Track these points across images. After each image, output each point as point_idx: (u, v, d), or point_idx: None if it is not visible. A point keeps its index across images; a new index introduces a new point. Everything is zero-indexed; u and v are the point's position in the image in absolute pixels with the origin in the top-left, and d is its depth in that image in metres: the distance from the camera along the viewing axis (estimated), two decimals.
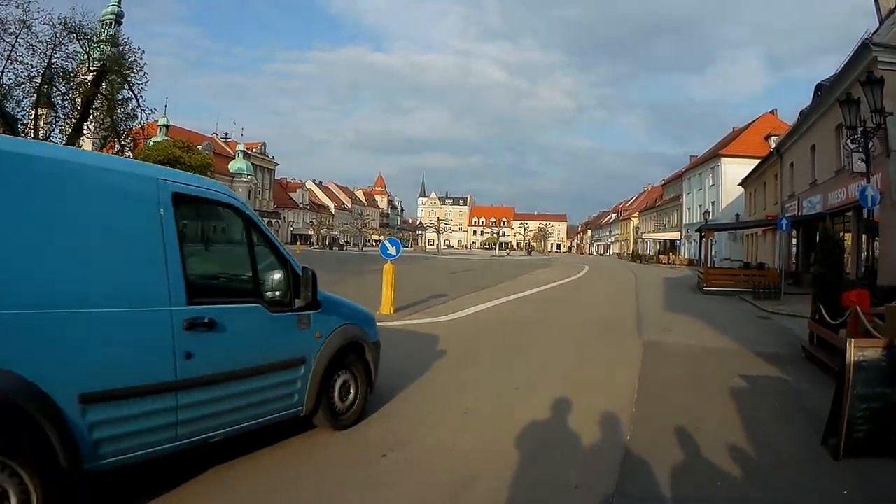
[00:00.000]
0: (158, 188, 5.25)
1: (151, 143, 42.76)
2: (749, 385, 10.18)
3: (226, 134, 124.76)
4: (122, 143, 42.46)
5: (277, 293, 6.36)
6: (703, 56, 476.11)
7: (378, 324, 14.13)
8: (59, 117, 44.15)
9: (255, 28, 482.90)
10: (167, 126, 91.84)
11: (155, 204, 5.16)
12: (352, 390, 7.54)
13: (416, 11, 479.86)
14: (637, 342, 14.52)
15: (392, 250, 18.64)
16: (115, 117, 42.65)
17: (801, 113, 37.22)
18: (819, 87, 33.49)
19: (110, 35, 60.25)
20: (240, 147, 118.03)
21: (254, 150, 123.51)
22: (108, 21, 76.13)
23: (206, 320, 5.35)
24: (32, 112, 43.10)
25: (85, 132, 44.41)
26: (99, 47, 41.82)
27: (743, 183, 58.61)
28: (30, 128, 41.70)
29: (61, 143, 45.02)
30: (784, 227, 27.13)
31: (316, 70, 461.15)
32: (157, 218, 5.14)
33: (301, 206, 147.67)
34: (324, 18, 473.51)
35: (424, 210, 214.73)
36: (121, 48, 44.71)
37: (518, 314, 19.63)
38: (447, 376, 10.09)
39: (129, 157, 37.88)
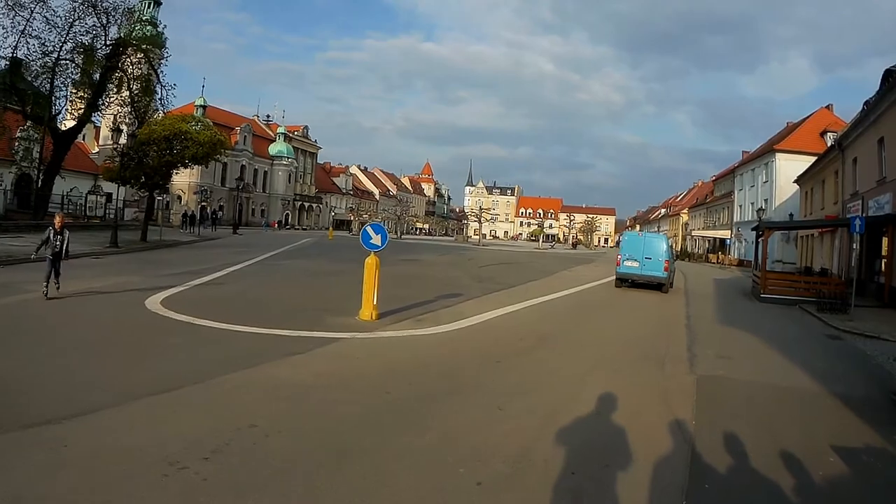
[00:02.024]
0: (667, 239, 31.50)
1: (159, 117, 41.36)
2: (849, 469, 6.98)
3: (267, 116, 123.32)
4: (139, 118, 41.58)
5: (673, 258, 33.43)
6: (754, 54, 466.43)
7: (345, 335, 12.77)
8: (79, 95, 43.04)
9: (309, 16, 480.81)
10: (204, 107, 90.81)
11: (667, 241, 30.73)
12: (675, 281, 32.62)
13: (468, 2, 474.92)
14: (687, 377, 11.04)
15: (376, 239, 15.03)
16: (132, 92, 42.05)
17: (866, 103, 33.73)
18: (888, 74, 30.03)
19: (151, 16, 60.08)
20: (280, 130, 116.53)
21: (295, 133, 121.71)
22: (148, 1, 76.20)
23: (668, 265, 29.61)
24: (65, 88, 42.57)
25: (101, 106, 43.52)
26: (118, 22, 41.56)
27: (798, 180, 55.38)
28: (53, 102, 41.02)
29: (75, 117, 44.07)
30: (858, 229, 23.66)
31: (369, 58, 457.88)
32: (668, 243, 30.76)
33: (344, 191, 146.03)
34: (378, 7, 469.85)
35: (471, 199, 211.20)
36: (157, 28, 44.19)
37: (536, 326, 16.09)
38: (369, 446, 6.63)
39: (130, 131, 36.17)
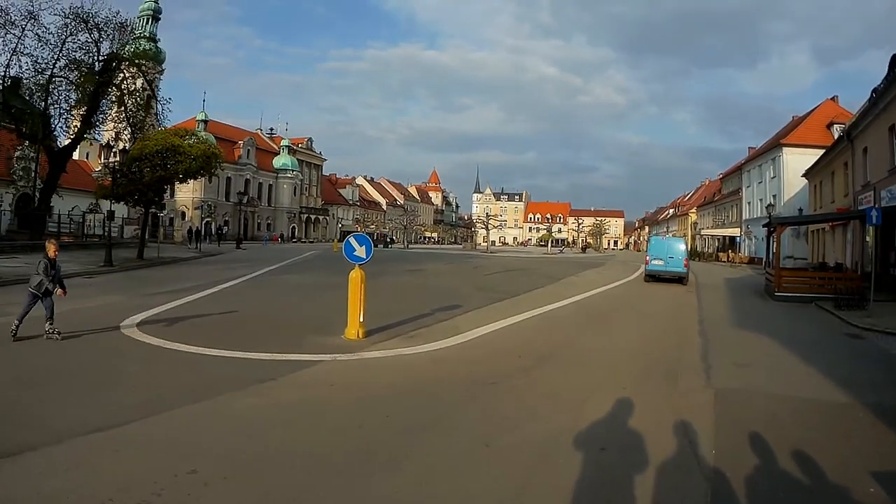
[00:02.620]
0: (686, 242, 43.89)
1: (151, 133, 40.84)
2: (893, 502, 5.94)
3: (271, 130, 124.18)
4: (135, 134, 42.36)
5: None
6: (753, 50, 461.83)
7: (324, 357, 11.63)
8: (72, 113, 42.51)
9: (309, 27, 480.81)
10: (205, 121, 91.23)
11: (685, 243, 40.59)
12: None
13: (468, 9, 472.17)
14: (704, 393, 9.91)
15: (360, 251, 13.48)
16: (127, 108, 43.03)
17: (875, 91, 32.49)
18: None
19: (151, 32, 59.75)
20: (284, 142, 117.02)
21: (299, 145, 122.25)
22: (146, 17, 76.41)
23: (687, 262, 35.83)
24: (57, 105, 42.13)
25: (95, 123, 43.21)
26: (110, 37, 41.50)
27: (807, 174, 54.42)
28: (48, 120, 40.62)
29: (70, 135, 43.53)
30: (875, 220, 22.73)
31: (370, 68, 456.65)
32: (686, 245, 40.39)
33: (351, 202, 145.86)
34: (377, 16, 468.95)
35: (479, 206, 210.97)
36: (156, 43, 43.92)
37: (537, 339, 14.79)
38: (325, 496, 5.69)
39: (127, 147, 36.06)
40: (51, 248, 12.65)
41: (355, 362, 11.47)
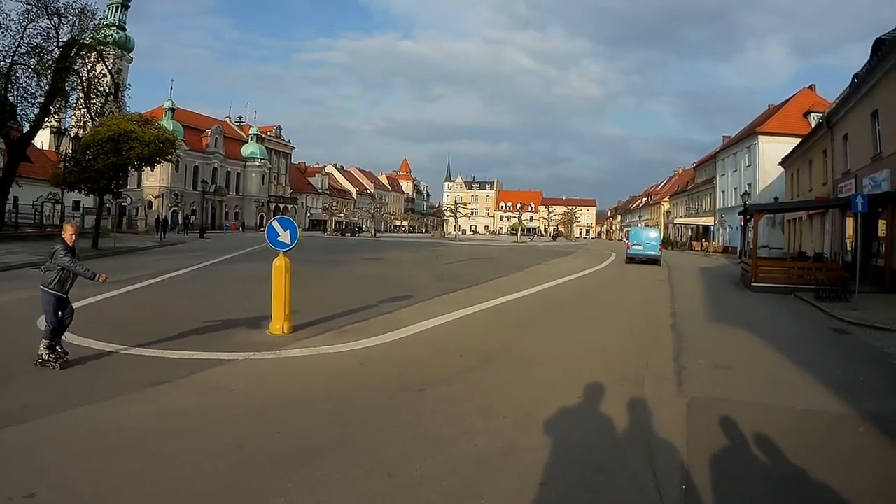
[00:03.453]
0: (659, 230, 61.40)
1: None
2: None
3: (240, 118, 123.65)
4: (94, 121, 40.75)
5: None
6: (731, 43, 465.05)
7: (237, 356, 10.23)
8: (27, 100, 40.95)
9: (285, 17, 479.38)
10: (173, 110, 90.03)
11: (659, 231, 58.62)
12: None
13: (445, 0, 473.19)
14: (675, 402, 8.32)
15: (284, 236, 11.89)
16: (88, 95, 41.45)
17: (856, 76, 31.55)
18: (880, 43, 27.88)
19: (119, 20, 58.20)
20: (253, 130, 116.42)
21: (268, 133, 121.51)
22: (115, 5, 74.91)
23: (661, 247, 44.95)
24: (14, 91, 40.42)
25: (53, 112, 41.95)
26: (70, 23, 39.32)
27: (783, 162, 53.65)
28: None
29: (30, 121, 41.94)
30: (860, 207, 21.60)
31: (346, 59, 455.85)
32: (660, 233, 52.49)
33: (320, 191, 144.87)
34: (353, 6, 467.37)
35: (450, 195, 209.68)
36: (125, 31, 42.46)
37: (486, 335, 13.24)
38: None
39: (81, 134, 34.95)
40: (68, 232, 9.55)
41: (269, 362, 9.96)
